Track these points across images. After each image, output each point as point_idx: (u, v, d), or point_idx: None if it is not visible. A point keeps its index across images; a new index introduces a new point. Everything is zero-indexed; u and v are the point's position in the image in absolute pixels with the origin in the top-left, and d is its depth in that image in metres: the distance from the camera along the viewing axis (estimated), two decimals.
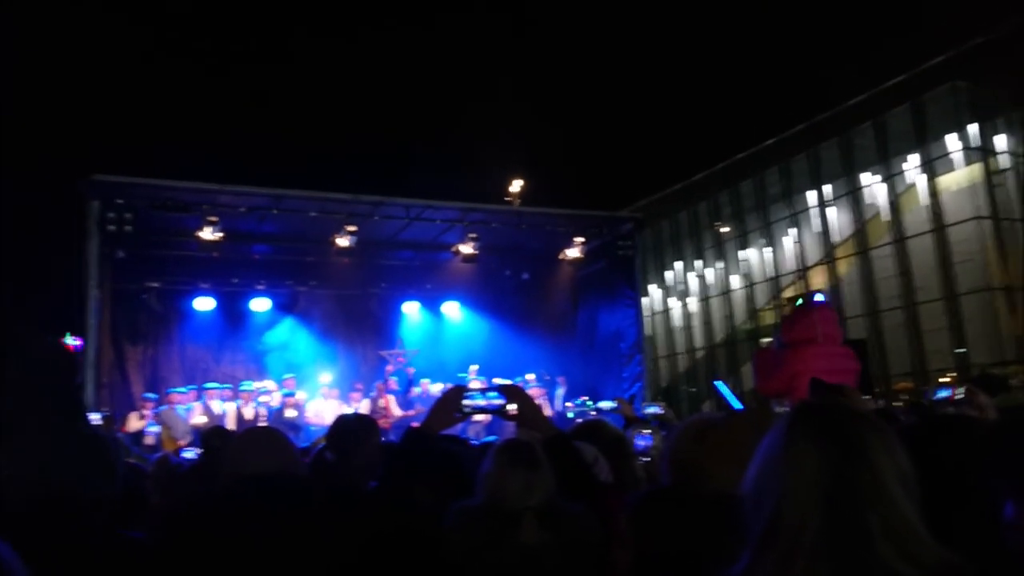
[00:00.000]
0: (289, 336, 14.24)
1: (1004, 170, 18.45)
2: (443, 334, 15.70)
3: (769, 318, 23.12)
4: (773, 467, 1.22)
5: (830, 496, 1.15)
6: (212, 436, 4.92)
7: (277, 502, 2.05)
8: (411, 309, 15.54)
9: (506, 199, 21.04)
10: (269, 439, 2.33)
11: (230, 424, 11.03)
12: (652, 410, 4.58)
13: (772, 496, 1.19)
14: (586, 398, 12.86)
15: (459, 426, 11.09)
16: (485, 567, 1.86)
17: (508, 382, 2.53)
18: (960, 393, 2.98)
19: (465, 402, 2.36)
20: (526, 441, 2.18)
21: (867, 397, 3.42)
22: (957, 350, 17.85)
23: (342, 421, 2.97)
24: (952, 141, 18.90)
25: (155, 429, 10.80)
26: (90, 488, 1.86)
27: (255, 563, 1.90)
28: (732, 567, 1.23)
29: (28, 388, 3.52)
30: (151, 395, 11.74)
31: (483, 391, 2.36)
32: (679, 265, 26.81)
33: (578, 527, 1.93)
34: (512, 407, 2.34)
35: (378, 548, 1.97)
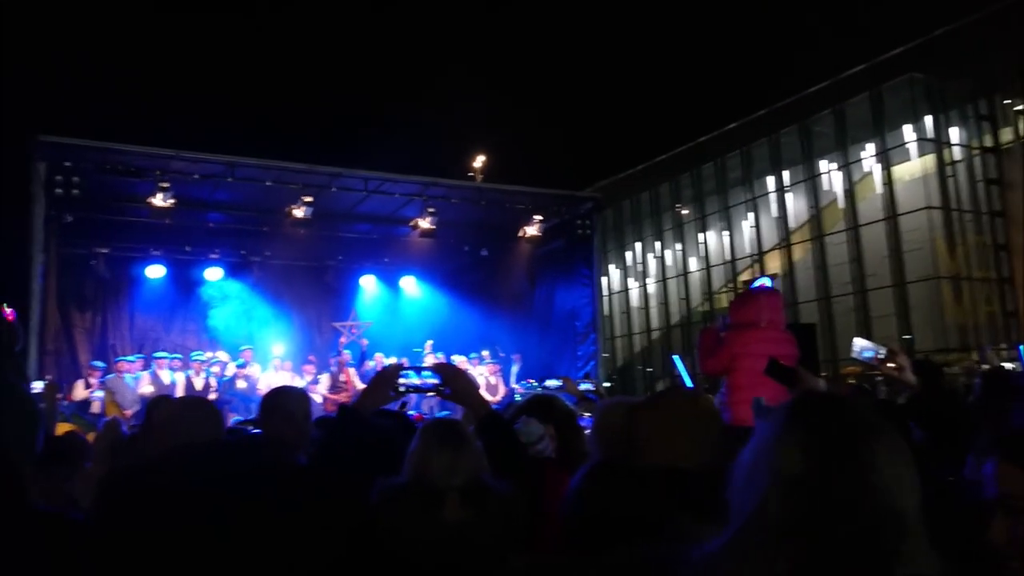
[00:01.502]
0: (242, 306, 14.05)
1: (956, 162, 18.85)
2: (400, 308, 15.66)
3: (725, 301, 23.42)
4: (764, 456, 1.18)
5: (818, 492, 1.10)
6: (154, 406, 4.85)
7: (208, 474, 2.02)
8: (368, 282, 15.45)
9: (469, 175, 20.97)
10: (199, 409, 2.30)
11: (179, 394, 10.89)
12: (585, 387, 4.62)
13: (760, 484, 1.15)
14: (533, 381, 12.98)
15: (414, 400, 10.99)
16: (409, 545, 1.86)
17: (442, 360, 2.55)
18: (882, 353, 3.09)
19: (400, 380, 2.37)
20: (453, 420, 2.19)
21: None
22: (904, 336, 18.30)
23: (271, 395, 2.94)
24: (908, 132, 19.26)
25: (100, 394, 10.61)
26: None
27: (186, 536, 1.87)
28: (705, 545, 1.19)
29: None
30: (99, 363, 11.51)
31: (418, 370, 2.37)
32: (639, 246, 26.99)
33: (503, 505, 1.93)
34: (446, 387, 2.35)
35: (306, 525, 1.96)
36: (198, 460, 2.06)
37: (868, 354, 3.08)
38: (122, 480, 2.14)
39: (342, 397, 12.18)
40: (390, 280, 15.66)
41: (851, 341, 3.33)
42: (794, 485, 1.11)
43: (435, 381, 2.38)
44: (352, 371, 12.52)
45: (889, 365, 2.99)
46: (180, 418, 2.34)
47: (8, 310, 6.82)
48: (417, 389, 2.38)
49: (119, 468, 3.07)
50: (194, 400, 2.48)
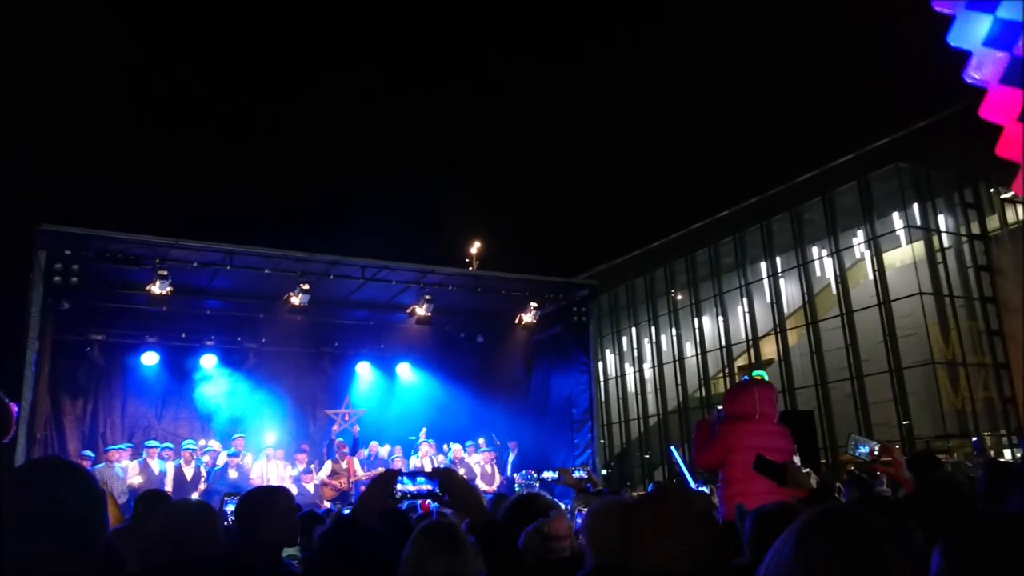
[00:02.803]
0: (236, 394, 13.94)
1: (945, 248, 19.13)
2: (395, 395, 15.54)
3: (721, 386, 23.35)
4: (785, 571, 1.16)
5: None
6: (148, 500, 4.74)
7: None
8: (364, 369, 15.38)
9: (465, 262, 21.17)
10: (190, 517, 2.26)
11: (168, 485, 10.70)
12: (578, 475, 4.56)
13: None
14: (533, 472, 12.82)
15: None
16: None
17: (439, 460, 2.54)
18: (877, 449, 3.08)
19: (397, 487, 2.34)
20: (447, 523, 2.16)
21: (807, 471, 3.46)
22: (903, 422, 18.18)
23: (245, 496, 2.90)
24: (896, 219, 19.62)
25: None
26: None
27: None
28: None
29: None
30: (88, 452, 11.35)
31: (413, 476, 2.34)
32: (634, 331, 27.06)
33: None
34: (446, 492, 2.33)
35: None
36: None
37: (864, 449, 3.08)
38: None
39: (341, 483, 11.99)
40: (386, 367, 15.60)
41: (848, 432, 3.35)
42: None
43: (430, 487, 2.34)
44: (355, 459, 12.38)
45: (884, 460, 2.99)
46: (178, 527, 2.30)
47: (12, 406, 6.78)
48: (414, 496, 2.34)
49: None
50: (193, 508, 2.44)
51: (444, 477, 2.35)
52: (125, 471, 10.88)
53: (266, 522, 2.61)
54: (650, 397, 26.10)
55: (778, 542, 1.23)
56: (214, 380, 13.82)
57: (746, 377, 5.08)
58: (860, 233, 20.17)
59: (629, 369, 27.24)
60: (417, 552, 1.93)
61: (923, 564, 1.14)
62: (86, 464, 10.82)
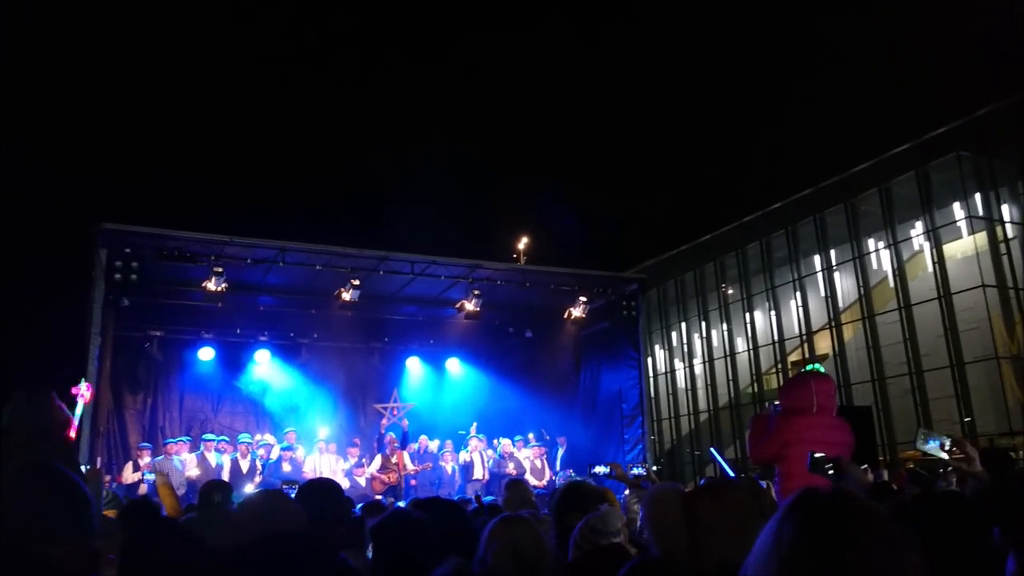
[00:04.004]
0: (289, 388, 14.18)
1: (1009, 239, 18.48)
2: (444, 390, 15.63)
3: (773, 382, 22.94)
4: (767, 558, 1.10)
5: None
6: (210, 491, 4.82)
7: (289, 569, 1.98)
8: (413, 364, 15.50)
9: (513, 257, 21.17)
10: (277, 505, 2.25)
11: (225, 477, 10.91)
12: (637, 471, 4.51)
13: None
14: (571, 471, 12.89)
15: (459, 485, 10.95)
16: None
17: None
18: (948, 443, 2.95)
19: None
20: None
21: (864, 467, 3.36)
22: (965, 419, 17.63)
23: (307, 485, 2.93)
24: (957, 209, 19.01)
25: (150, 477, 10.67)
26: (49, 535, 1.77)
27: None
28: None
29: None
30: (147, 445, 11.65)
31: None
32: (684, 326, 26.75)
33: None
34: None
35: None
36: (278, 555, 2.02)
37: (934, 443, 2.97)
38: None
39: (391, 478, 12.09)
40: (435, 362, 15.70)
41: (913, 427, 3.22)
42: None
43: None
44: (405, 454, 12.47)
45: (957, 456, 2.87)
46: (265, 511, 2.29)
47: (83, 388, 7.01)
48: None
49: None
50: (271, 496, 2.44)
51: None
52: (184, 463, 11.15)
53: (332, 507, 2.65)
54: (700, 393, 25.78)
55: (764, 528, 1.16)
56: (268, 375, 14.08)
57: (803, 370, 4.97)
58: (919, 224, 19.60)
59: (679, 365, 26.94)
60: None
61: (910, 554, 1.06)
62: (145, 456, 11.14)
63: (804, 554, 1.06)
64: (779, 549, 1.09)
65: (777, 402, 4.74)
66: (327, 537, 2.70)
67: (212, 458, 11.42)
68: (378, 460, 12.39)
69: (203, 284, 11.70)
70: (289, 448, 12.12)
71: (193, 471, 11.01)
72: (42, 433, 3.60)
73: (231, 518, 2.30)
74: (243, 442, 11.93)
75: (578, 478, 12.42)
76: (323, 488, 2.90)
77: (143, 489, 10.53)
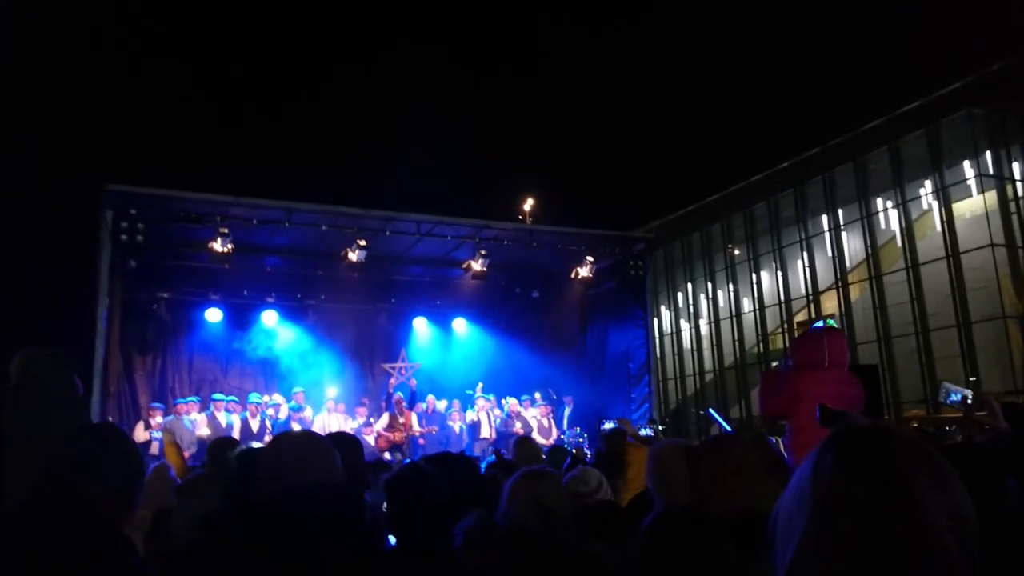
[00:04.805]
0: (297, 349, 14.25)
1: (1020, 197, 18.31)
2: (451, 350, 15.70)
3: (779, 342, 22.97)
4: (801, 498, 1.05)
5: (862, 537, 0.97)
6: (222, 446, 4.83)
7: (326, 520, 1.93)
8: (420, 325, 15.54)
9: (518, 217, 21.07)
10: (313, 448, 2.18)
11: (235, 436, 11.01)
12: (646, 432, 4.54)
13: (797, 529, 1.03)
14: (578, 428, 13.07)
15: (466, 443, 11.02)
16: None
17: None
18: (971, 398, 2.94)
19: None
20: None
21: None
22: (970, 379, 17.65)
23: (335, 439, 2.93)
24: (967, 168, 18.82)
25: (159, 435, 10.79)
26: (102, 491, 1.84)
27: None
28: None
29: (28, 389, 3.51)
30: (158, 405, 11.76)
31: None
32: (690, 287, 26.72)
33: None
34: None
35: None
36: (313, 505, 1.97)
37: (956, 397, 2.96)
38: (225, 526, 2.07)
39: (397, 436, 12.19)
40: (442, 322, 15.74)
41: (918, 386, 3.21)
42: (839, 526, 0.99)
43: None
44: (412, 414, 12.55)
45: (979, 411, 2.87)
46: (289, 458, 2.23)
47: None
48: None
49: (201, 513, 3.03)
50: (304, 437, 2.33)
51: None
52: (194, 423, 11.26)
53: (352, 463, 2.65)
54: (706, 353, 25.85)
55: (799, 468, 1.11)
56: (275, 336, 14.14)
57: (815, 325, 4.95)
58: (928, 183, 19.43)
59: (685, 325, 26.97)
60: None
61: (955, 487, 1.02)
62: (156, 416, 11.25)
63: (849, 486, 1.01)
64: (819, 484, 1.04)
65: (786, 359, 4.74)
66: (360, 488, 2.72)
67: (222, 418, 11.52)
68: (385, 418, 12.45)
69: (209, 245, 11.69)
70: (298, 408, 12.21)
71: (203, 431, 11.12)
72: (69, 399, 3.64)
73: (265, 462, 2.22)
74: (253, 402, 12.03)
75: (580, 438, 12.57)
76: (349, 442, 2.92)
77: (154, 448, 10.64)
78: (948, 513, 0.99)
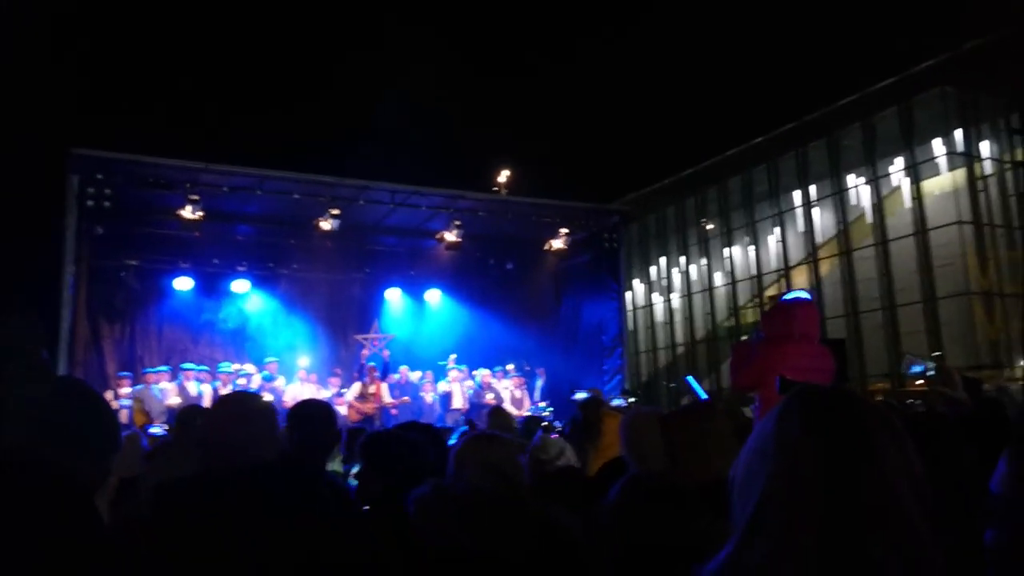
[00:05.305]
0: (269, 318, 14.13)
1: (987, 176, 18.57)
2: (425, 321, 15.67)
3: (751, 316, 23.21)
4: (763, 455, 1.08)
5: (826, 492, 1.01)
6: (190, 414, 4.81)
7: (264, 485, 1.97)
8: (393, 295, 15.48)
9: (493, 188, 20.98)
10: (246, 409, 2.21)
11: (206, 405, 10.94)
12: (617, 403, 4.57)
13: (758, 485, 1.06)
14: (548, 401, 13.16)
15: (438, 414, 11.04)
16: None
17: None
18: (932, 368, 3.00)
19: None
20: None
21: None
22: (934, 353, 17.99)
23: (300, 406, 2.92)
24: (938, 145, 19.02)
25: (128, 403, 10.68)
26: (77, 456, 1.78)
27: (242, 548, 1.83)
28: (715, 556, 1.11)
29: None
30: (126, 374, 11.62)
31: None
32: (663, 260, 26.84)
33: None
34: None
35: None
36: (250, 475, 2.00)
37: (917, 368, 3.02)
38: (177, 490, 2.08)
39: (368, 407, 12.15)
40: (415, 293, 15.68)
41: (884, 361, 3.25)
42: (803, 480, 1.03)
43: None
44: (384, 385, 12.51)
45: (940, 382, 2.92)
46: (225, 419, 2.26)
47: None
48: None
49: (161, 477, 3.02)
50: (240, 398, 2.39)
51: None
52: (163, 392, 11.15)
53: (310, 430, 2.64)
54: (678, 327, 26.05)
55: (762, 420, 1.13)
56: (247, 305, 14.01)
57: (785, 297, 4.97)
58: (899, 160, 19.60)
59: (657, 299, 27.13)
60: None
61: (910, 449, 1.07)
62: (124, 385, 11.12)
63: (817, 442, 1.04)
64: (784, 440, 1.07)
65: (758, 331, 4.77)
66: (304, 461, 2.69)
67: (192, 387, 11.42)
68: (356, 387, 12.36)
69: (178, 212, 11.51)
70: (270, 378, 12.14)
71: (173, 399, 11.02)
72: (37, 366, 3.56)
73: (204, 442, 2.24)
74: (223, 371, 11.93)
75: (544, 411, 12.67)
76: (318, 410, 2.89)
77: (123, 416, 10.54)
78: (905, 471, 1.04)
